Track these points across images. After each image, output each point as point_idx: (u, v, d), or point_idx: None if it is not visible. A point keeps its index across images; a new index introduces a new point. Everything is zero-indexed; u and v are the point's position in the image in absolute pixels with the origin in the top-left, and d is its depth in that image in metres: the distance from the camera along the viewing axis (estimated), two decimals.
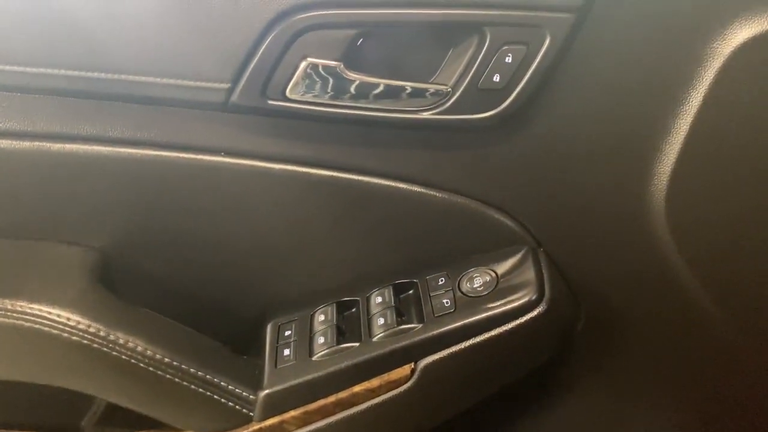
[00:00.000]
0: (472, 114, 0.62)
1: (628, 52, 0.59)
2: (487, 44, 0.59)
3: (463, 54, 0.61)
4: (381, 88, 0.62)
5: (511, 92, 0.61)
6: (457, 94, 0.62)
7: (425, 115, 0.62)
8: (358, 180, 0.66)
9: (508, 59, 0.60)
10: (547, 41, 0.59)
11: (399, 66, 0.62)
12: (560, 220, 0.68)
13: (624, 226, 0.70)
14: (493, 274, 0.68)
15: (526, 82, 0.60)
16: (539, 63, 0.60)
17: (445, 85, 0.62)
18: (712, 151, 0.60)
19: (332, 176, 0.66)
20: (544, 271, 0.67)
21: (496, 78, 0.61)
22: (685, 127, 0.60)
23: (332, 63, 0.61)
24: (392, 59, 0.62)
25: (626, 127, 0.62)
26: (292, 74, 0.61)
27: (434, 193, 0.68)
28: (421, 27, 0.59)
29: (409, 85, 0.62)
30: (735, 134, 0.58)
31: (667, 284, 0.70)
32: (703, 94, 0.58)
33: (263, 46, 0.59)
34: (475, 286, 0.67)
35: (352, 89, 0.62)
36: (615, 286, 0.74)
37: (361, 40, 0.60)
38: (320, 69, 0.61)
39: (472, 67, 0.60)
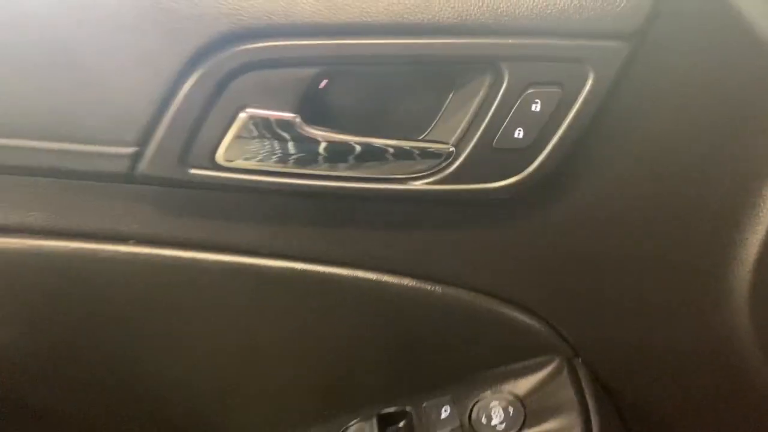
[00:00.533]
0: (484, 183, 0.48)
1: (700, 88, 0.46)
2: (504, 86, 0.46)
3: (471, 100, 0.47)
4: (355, 149, 0.48)
5: (539, 153, 0.47)
6: (463, 155, 0.48)
7: (418, 185, 0.49)
8: (324, 273, 0.53)
9: (535, 107, 0.46)
10: (590, 81, 0.45)
11: (380, 118, 0.49)
12: (604, 322, 0.55)
13: (692, 330, 0.54)
14: (517, 401, 0.54)
15: (560, 139, 0.47)
16: (579, 111, 0.46)
17: (446, 143, 0.48)
18: None
19: (287, 269, 0.52)
20: (585, 390, 0.54)
21: (518, 133, 0.47)
22: None
23: (284, 115, 0.46)
24: (370, 109, 0.49)
25: (698, 195, 0.49)
26: (224, 132, 0.46)
27: (432, 288, 0.54)
28: (411, 63, 0.46)
29: (394, 144, 0.48)
30: None
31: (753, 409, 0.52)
32: None
33: (180, 95, 0.44)
34: (493, 420, 0.48)
35: (314, 152, 0.47)
36: (677, 408, 0.55)
37: (325, 81, 0.46)
38: (267, 124, 0.46)
39: (484, 118, 0.47)
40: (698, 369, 0.56)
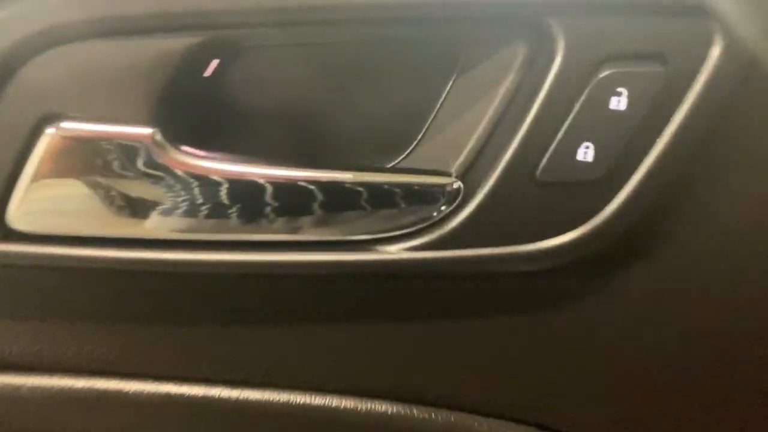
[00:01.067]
0: (516, 244, 0.29)
1: None
2: (558, 65, 0.27)
3: (490, 93, 0.28)
4: (275, 191, 0.28)
5: (620, 187, 0.28)
6: (479, 196, 0.29)
7: (397, 252, 0.29)
8: (234, 399, 0.33)
9: (616, 102, 0.26)
10: (718, 51, 0.27)
11: (320, 130, 0.30)
12: None
13: None
14: None
15: (661, 161, 0.27)
16: (696, 109, 0.27)
17: (446, 173, 0.29)
18: None
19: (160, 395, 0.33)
20: None
21: (584, 153, 0.27)
22: None
23: (131, 131, 0.27)
24: (300, 114, 0.30)
25: None
26: (17, 167, 0.28)
27: (426, 416, 0.34)
28: (374, 24, 0.28)
29: (351, 180, 0.28)
30: None
31: None
32: None
33: None
34: None
35: (193, 197, 0.28)
36: None
37: (214, 64, 0.28)
38: (96, 148, 0.27)
39: (518, 126, 0.28)
40: None
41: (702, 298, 0.31)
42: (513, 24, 0.27)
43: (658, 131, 0.28)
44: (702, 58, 0.27)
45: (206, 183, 0.28)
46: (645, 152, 0.28)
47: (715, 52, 0.27)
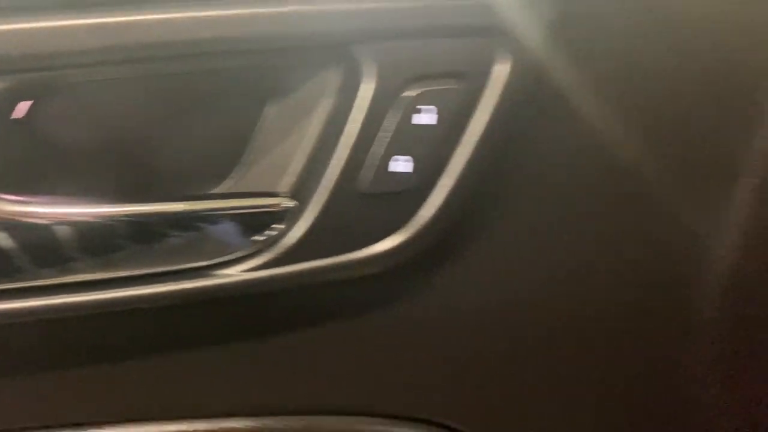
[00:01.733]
0: (346, 253, 0.31)
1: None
2: (364, 89, 0.29)
3: (310, 118, 0.30)
4: (94, 225, 0.28)
5: (435, 191, 0.30)
6: (314, 212, 0.30)
7: (235, 273, 0.30)
8: None
9: (424, 117, 0.29)
10: (507, 67, 0.29)
11: (138, 159, 0.30)
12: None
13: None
14: None
15: (470, 164, 0.30)
16: (493, 117, 0.30)
17: (281, 194, 0.30)
18: None
19: None
20: None
21: (400, 165, 0.29)
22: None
23: None
24: (115, 147, 0.30)
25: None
26: None
27: (283, 425, 0.35)
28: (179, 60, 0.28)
29: (182, 210, 0.29)
30: None
31: None
32: None
33: None
34: None
35: (18, 241, 0.27)
36: None
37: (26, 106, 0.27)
38: None
39: (335, 145, 0.29)
40: None
41: (514, 291, 0.34)
42: (323, 53, 0.28)
43: (464, 143, 0.30)
44: (493, 75, 0.29)
45: (31, 228, 0.27)
46: (453, 163, 0.30)
47: (505, 69, 0.29)
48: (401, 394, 0.36)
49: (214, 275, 0.29)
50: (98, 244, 0.28)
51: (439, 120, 0.29)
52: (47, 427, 0.32)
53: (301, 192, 0.30)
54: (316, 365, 0.34)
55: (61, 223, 0.27)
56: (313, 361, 0.34)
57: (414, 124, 0.28)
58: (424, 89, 0.28)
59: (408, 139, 0.29)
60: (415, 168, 0.29)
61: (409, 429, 0.37)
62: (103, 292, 0.28)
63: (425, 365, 0.36)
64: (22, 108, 0.27)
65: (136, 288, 0.28)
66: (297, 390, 0.35)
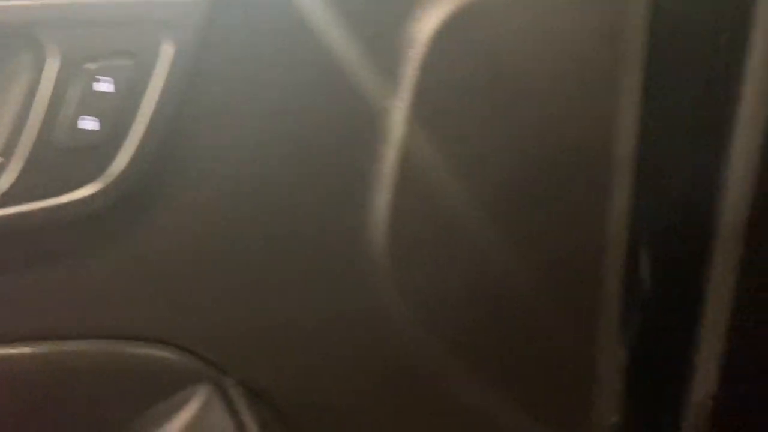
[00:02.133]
0: (50, 198, 0.38)
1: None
2: (49, 63, 0.36)
3: (12, 88, 0.37)
4: None
5: (121, 147, 0.38)
6: (19, 165, 0.37)
7: None
8: None
9: (104, 86, 0.36)
10: (169, 49, 0.37)
11: None
12: (245, 335, 0.48)
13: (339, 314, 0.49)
14: None
15: (149, 126, 0.38)
16: (164, 89, 0.38)
17: None
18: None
19: None
20: (241, 412, 0.48)
21: (87, 124, 0.37)
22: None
23: None
24: None
25: (318, 163, 0.44)
26: None
27: (20, 351, 0.43)
28: None
29: None
30: None
31: None
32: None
33: None
34: None
35: None
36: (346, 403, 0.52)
37: None
38: None
39: (32, 109, 0.36)
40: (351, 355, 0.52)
41: (209, 234, 0.43)
42: (14, 38, 0.35)
43: (143, 108, 0.37)
44: (161, 55, 0.37)
45: None
46: (136, 125, 0.38)
47: (169, 51, 0.37)
48: (139, 319, 0.45)
49: None
50: None
51: (116, 89, 0.36)
52: None
53: (8, 150, 0.36)
54: (38, 297, 0.41)
55: None
56: (33, 293, 0.41)
57: (95, 91, 0.36)
58: (101, 64, 0.36)
59: (91, 102, 0.36)
60: (102, 127, 0.37)
61: (154, 350, 0.46)
62: None
63: (156, 294, 0.44)
64: None
65: None
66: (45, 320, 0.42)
